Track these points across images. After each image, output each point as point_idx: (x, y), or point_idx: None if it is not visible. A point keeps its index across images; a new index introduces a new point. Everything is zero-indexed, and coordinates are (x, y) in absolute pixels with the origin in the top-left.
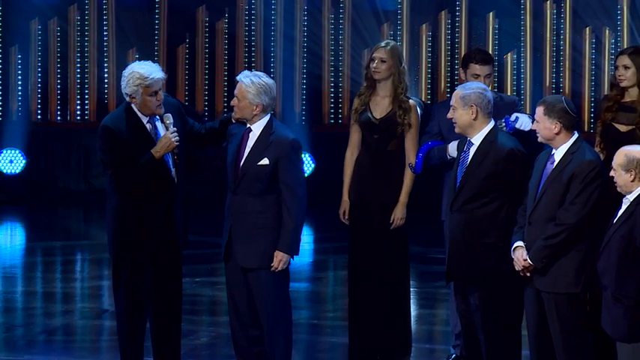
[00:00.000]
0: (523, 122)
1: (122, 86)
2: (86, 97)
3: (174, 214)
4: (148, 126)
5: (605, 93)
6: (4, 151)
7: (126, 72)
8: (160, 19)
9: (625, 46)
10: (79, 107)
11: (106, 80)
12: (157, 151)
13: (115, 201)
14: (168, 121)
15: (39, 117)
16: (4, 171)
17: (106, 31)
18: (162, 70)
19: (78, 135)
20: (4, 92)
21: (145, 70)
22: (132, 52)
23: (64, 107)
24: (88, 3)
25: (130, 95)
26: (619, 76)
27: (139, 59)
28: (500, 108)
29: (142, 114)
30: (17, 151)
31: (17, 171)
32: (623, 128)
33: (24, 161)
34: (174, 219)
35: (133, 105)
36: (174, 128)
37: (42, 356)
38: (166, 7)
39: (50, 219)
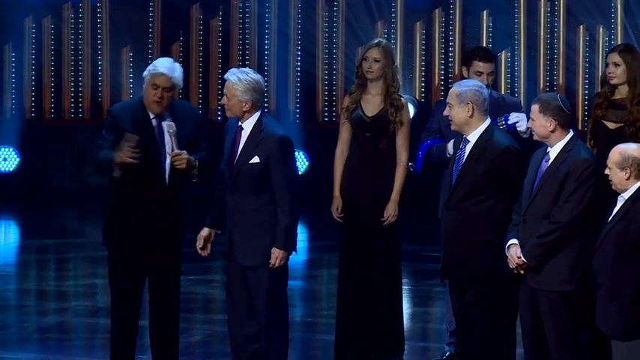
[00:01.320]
0: (520, 121)
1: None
2: (80, 95)
3: (170, 215)
4: (154, 121)
5: (597, 90)
6: None
7: None
8: (154, 17)
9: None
10: (73, 105)
11: (100, 78)
12: (120, 156)
13: (109, 196)
14: (171, 130)
15: (33, 115)
16: None
17: (100, 29)
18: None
19: (72, 133)
20: None
21: (161, 63)
22: (126, 50)
23: (57, 105)
24: (82, 1)
25: (143, 83)
26: (609, 73)
27: (133, 57)
28: (502, 108)
29: (148, 108)
30: (11, 149)
31: (11, 169)
32: (612, 125)
33: (18, 159)
34: (170, 219)
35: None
36: (182, 152)
37: (36, 354)
38: (160, 5)
39: (44, 217)
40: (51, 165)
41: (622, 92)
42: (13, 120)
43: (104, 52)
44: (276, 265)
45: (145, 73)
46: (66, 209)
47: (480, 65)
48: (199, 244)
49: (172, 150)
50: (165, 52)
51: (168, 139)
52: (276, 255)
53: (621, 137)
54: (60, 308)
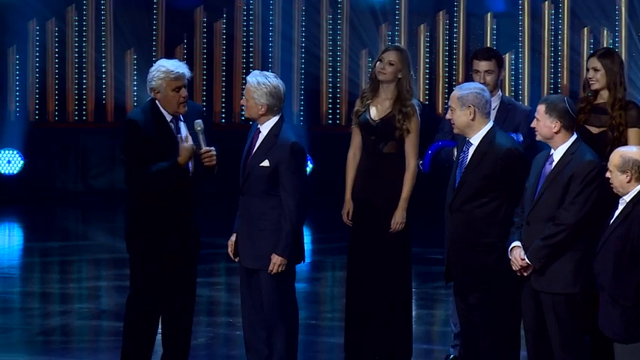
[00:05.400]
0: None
1: (147, 81)
2: (84, 97)
3: (191, 216)
4: (171, 125)
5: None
6: (2, 152)
7: (152, 67)
8: (158, 20)
9: (623, 46)
10: (76, 108)
11: (104, 81)
12: (182, 157)
13: (135, 203)
14: (199, 128)
15: (37, 117)
16: (2, 171)
17: (103, 31)
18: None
19: (76, 135)
20: (2, 93)
21: (171, 65)
22: (130, 53)
23: (62, 108)
24: (85, 3)
25: (154, 90)
26: (589, 78)
27: (137, 60)
28: (510, 115)
29: (166, 111)
30: (15, 152)
31: (15, 171)
32: (594, 130)
33: (22, 161)
34: (193, 219)
35: (157, 102)
36: (211, 148)
37: (40, 357)
38: (164, 7)
39: (48, 219)
40: (55, 167)
41: (604, 97)
42: (17, 122)
43: (108, 54)
44: (275, 271)
45: (156, 79)
46: (70, 211)
47: (476, 64)
48: (231, 250)
49: (202, 147)
50: (169, 55)
51: (198, 138)
52: (275, 261)
53: (604, 141)
54: (64, 311)
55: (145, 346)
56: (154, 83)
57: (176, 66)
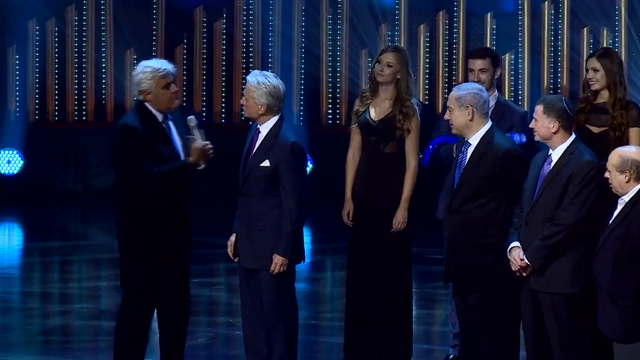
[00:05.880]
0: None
1: (135, 85)
2: (84, 97)
3: (187, 215)
4: (164, 125)
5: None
6: (2, 152)
7: (136, 71)
8: (158, 20)
9: (622, 46)
10: (76, 108)
11: (103, 80)
12: (193, 159)
13: (131, 203)
14: (192, 124)
15: (37, 117)
16: (2, 171)
17: (103, 31)
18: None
19: (76, 135)
20: (1, 93)
21: (155, 63)
22: (130, 53)
23: (61, 108)
24: (85, 3)
25: (144, 92)
26: (589, 79)
27: (137, 60)
28: (505, 117)
29: (157, 111)
30: (15, 152)
31: (15, 171)
32: (595, 130)
33: (22, 161)
34: (187, 220)
35: (146, 104)
36: (207, 142)
37: (40, 357)
38: (164, 7)
39: (48, 219)
40: (54, 167)
41: (604, 97)
42: (17, 122)
43: (108, 54)
44: (276, 271)
45: (145, 80)
46: (70, 211)
47: (471, 62)
48: (230, 250)
49: (198, 142)
50: (169, 55)
51: (193, 134)
52: (276, 261)
53: (605, 141)
54: (64, 311)
55: (141, 347)
56: (143, 85)
57: (161, 64)
